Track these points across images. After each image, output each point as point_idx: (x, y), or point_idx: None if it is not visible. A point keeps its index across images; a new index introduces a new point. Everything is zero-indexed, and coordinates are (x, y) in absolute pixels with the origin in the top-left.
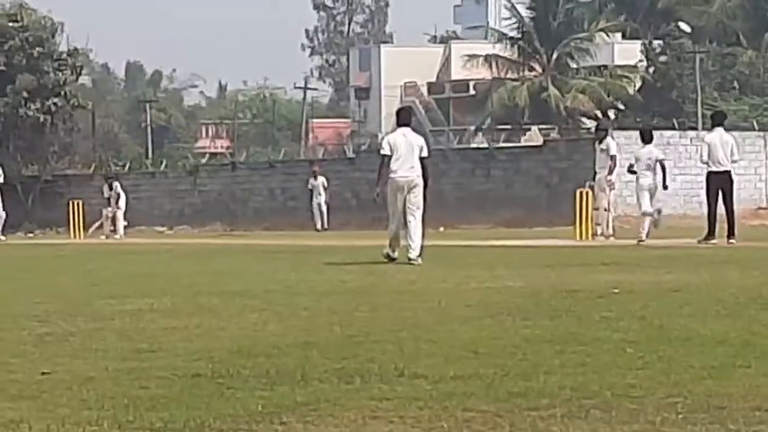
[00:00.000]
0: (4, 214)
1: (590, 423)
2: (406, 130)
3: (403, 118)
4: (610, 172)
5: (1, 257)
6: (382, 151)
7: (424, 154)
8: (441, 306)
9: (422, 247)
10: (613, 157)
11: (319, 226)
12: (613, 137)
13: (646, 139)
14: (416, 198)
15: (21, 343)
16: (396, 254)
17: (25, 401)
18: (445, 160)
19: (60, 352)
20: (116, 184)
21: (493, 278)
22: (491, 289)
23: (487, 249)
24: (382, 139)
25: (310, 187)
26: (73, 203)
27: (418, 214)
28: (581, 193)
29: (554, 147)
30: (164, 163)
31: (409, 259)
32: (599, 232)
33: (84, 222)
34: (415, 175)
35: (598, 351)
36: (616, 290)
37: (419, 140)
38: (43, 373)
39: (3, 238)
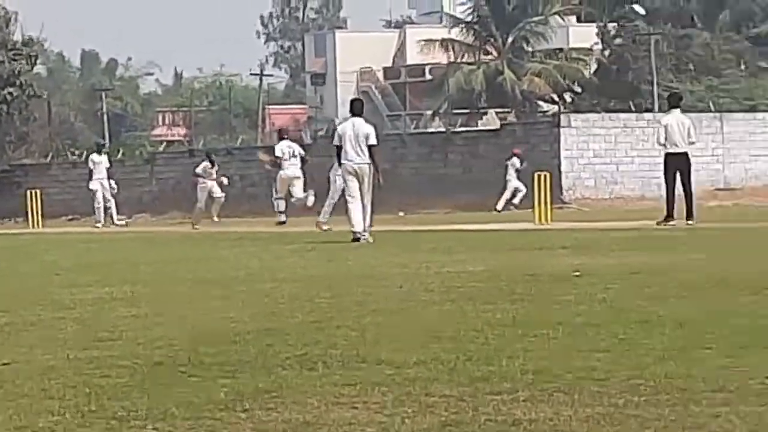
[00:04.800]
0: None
1: (553, 406)
2: (357, 119)
3: (355, 108)
4: None
5: None
6: (334, 142)
7: (372, 142)
8: (402, 291)
9: (371, 225)
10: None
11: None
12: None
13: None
14: (365, 183)
15: None
16: (359, 233)
17: None
18: (402, 145)
19: (21, 341)
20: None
21: (453, 262)
22: (452, 273)
23: (446, 233)
24: (335, 127)
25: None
26: (30, 193)
27: (368, 197)
28: (539, 176)
29: (511, 130)
30: (121, 152)
31: (358, 239)
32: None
33: (42, 211)
34: (364, 161)
35: (560, 334)
36: (577, 273)
37: (367, 129)
38: (4, 364)
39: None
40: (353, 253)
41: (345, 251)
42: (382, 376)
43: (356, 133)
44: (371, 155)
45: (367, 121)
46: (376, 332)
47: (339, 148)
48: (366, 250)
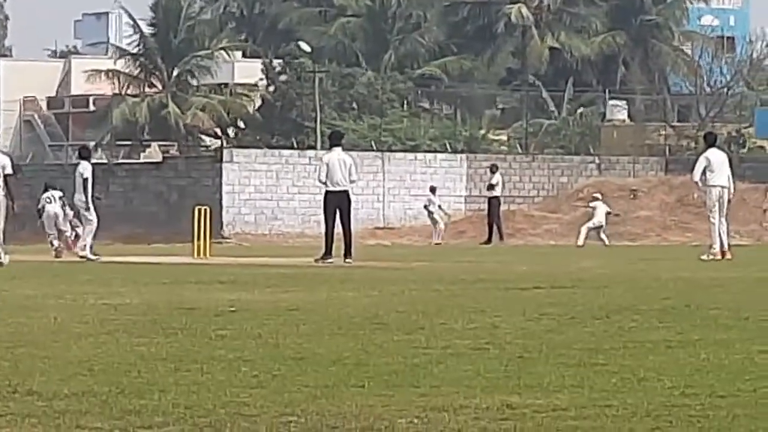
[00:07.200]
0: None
1: None
2: None
3: None
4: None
5: None
6: None
7: (8, 172)
8: (57, 322)
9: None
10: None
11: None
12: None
13: None
14: None
15: None
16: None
17: None
18: (64, 175)
19: None
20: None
21: (111, 294)
22: (108, 305)
23: (105, 265)
24: None
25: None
26: None
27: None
28: (199, 210)
29: (174, 164)
30: None
31: None
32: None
33: None
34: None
35: (213, 369)
36: (233, 308)
37: (3, 160)
38: None
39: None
40: (9, 283)
41: (1, 281)
42: (33, 407)
43: None
44: (7, 185)
45: (4, 153)
46: (29, 363)
47: None
48: (22, 279)
